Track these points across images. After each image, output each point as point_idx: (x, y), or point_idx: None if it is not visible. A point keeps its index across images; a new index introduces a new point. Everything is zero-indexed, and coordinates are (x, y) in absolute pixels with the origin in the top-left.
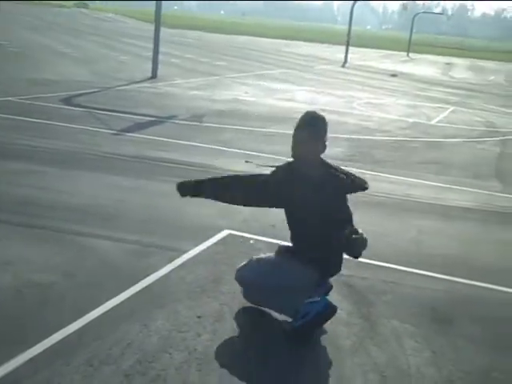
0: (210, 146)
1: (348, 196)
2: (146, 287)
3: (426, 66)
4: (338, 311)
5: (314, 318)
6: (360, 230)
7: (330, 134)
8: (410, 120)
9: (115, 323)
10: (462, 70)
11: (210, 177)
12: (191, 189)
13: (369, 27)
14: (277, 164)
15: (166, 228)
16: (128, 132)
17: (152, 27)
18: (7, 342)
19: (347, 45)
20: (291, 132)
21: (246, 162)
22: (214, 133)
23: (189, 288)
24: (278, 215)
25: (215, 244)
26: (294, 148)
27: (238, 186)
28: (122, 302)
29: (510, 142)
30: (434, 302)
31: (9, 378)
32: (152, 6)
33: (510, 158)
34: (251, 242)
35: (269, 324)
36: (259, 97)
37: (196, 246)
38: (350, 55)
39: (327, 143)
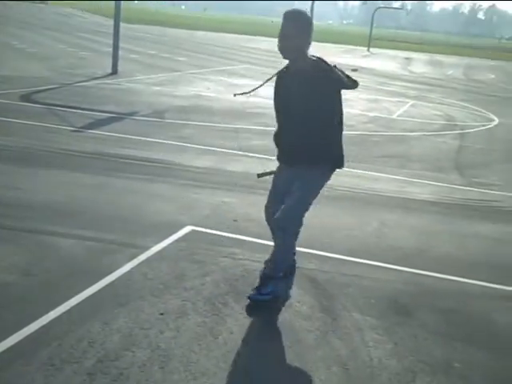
0: (171, 143)
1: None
2: (109, 285)
3: (386, 61)
4: (301, 305)
5: (270, 298)
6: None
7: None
8: (372, 114)
9: (77, 322)
10: (421, 64)
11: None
12: None
13: (330, 22)
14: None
15: (128, 225)
16: (88, 129)
17: (111, 22)
18: None
19: None
20: (254, 127)
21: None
22: (175, 129)
23: (151, 285)
24: (240, 210)
25: (177, 240)
26: (279, 41)
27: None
28: (84, 301)
29: (469, 136)
30: (395, 294)
31: None
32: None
33: (470, 151)
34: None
35: (232, 319)
36: (221, 92)
37: (158, 242)
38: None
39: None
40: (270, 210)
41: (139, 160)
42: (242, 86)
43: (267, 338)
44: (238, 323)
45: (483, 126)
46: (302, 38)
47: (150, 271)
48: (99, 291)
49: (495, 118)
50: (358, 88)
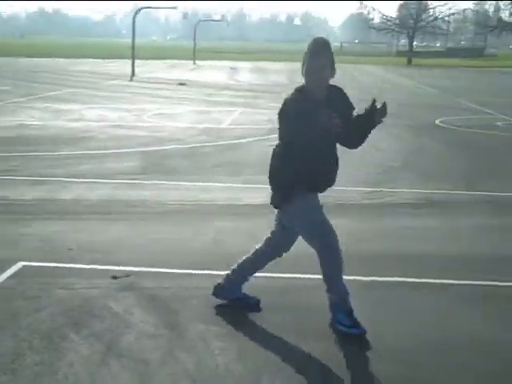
0: None
1: None
2: None
3: (213, 72)
4: (144, 325)
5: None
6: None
7: (121, 150)
8: (202, 126)
9: None
10: (246, 72)
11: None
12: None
13: (154, 38)
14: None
15: None
16: None
17: None
18: None
19: (133, 58)
20: (84, 152)
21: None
22: None
23: None
24: (74, 238)
25: (9, 278)
26: (313, 75)
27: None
28: None
29: None
30: None
31: None
32: None
33: None
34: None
35: (72, 352)
36: (47, 120)
37: None
38: (137, 68)
39: None
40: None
41: None
42: (68, 111)
43: (110, 364)
44: (78, 355)
45: None
46: (333, 70)
47: None
48: None
49: None
50: (187, 101)
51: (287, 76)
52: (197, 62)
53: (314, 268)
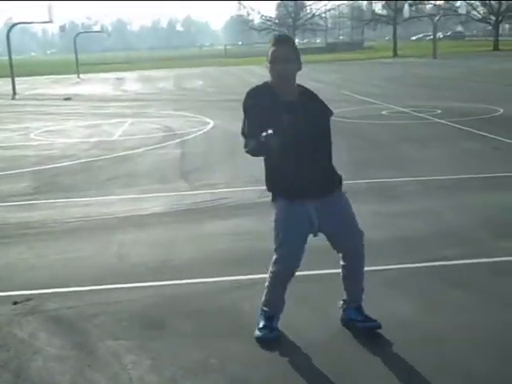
0: None
1: None
2: None
3: (98, 85)
4: (50, 348)
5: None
6: None
7: (10, 171)
8: (93, 140)
9: None
10: (132, 82)
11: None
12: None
13: (33, 54)
14: None
15: None
16: None
17: None
18: None
19: (12, 75)
20: None
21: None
22: None
23: None
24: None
25: None
26: (280, 65)
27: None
28: None
29: (189, 142)
30: (146, 310)
31: None
32: None
33: (191, 157)
34: None
35: None
36: None
37: None
38: (18, 86)
39: None
40: (294, 262)
41: None
42: None
43: None
44: None
45: (200, 130)
46: (299, 62)
47: None
48: None
49: (210, 121)
50: (74, 116)
51: (173, 82)
52: (81, 75)
53: (216, 271)
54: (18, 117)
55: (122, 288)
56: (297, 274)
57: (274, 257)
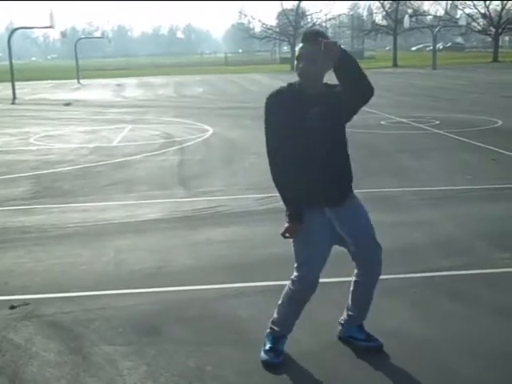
0: None
1: None
2: None
3: (98, 90)
4: (47, 354)
5: None
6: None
7: (9, 176)
8: (92, 145)
9: None
10: (132, 88)
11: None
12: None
13: (34, 59)
14: None
15: None
16: None
17: None
18: None
19: (12, 80)
20: None
21: None
22: None
23: None
24: None
25: None
26: (299, 65)
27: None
28: None
29: (188, 149)
30: (142, 316)
31: None
32: None
33: (190, 164)
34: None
35: None
36: None
37: None
38: (18, 90)
39: None
40: (315, 274)
41: None
42: None
43: None
44: None
45: (199, 137)
46: (328, 62)
47: None
48: None
49: (209, 129)
50: (74, 122)
51: (173, 89)
52: (81, 80)
53: (212, 278)
54: (18, 121)
55: (118, 294)
56: None
57: (295, 273)
